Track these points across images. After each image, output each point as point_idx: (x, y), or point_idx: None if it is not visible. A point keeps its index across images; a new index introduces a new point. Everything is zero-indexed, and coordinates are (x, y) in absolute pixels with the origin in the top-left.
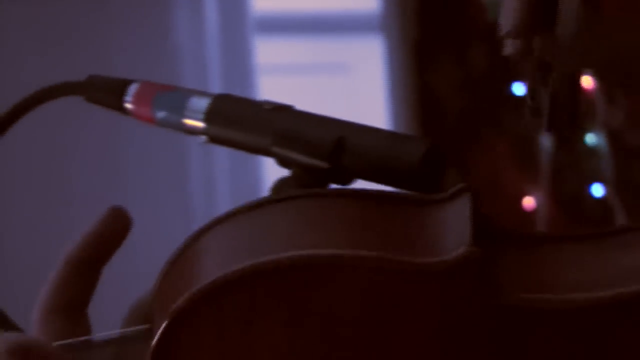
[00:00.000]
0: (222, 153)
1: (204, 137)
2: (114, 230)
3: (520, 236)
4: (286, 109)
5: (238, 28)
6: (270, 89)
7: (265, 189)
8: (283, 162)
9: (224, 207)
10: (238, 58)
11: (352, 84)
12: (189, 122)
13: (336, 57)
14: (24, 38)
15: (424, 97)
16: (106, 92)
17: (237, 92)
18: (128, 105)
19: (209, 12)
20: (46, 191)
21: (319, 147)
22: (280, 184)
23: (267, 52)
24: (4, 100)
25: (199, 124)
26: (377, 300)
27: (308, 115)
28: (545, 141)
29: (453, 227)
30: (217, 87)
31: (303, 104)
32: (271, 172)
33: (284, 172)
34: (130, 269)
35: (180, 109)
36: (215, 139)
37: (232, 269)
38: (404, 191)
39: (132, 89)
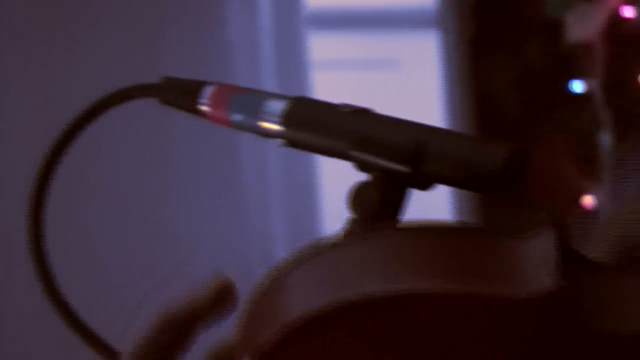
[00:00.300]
0: (276, 149)
1: (279, 140)
2: (216, 300)
3: (602, 266)
4: (365, 112)
5: (291, 23)
6: (323, 84)
7: (319, 185)
8: (362, 166)
9: (277, 204)
10: (291, 53)
11: (405, 80)
12: (265, 125)
13: (390, 53)
14: (82, 37)
15: (480, 94)
16: (181, 94)
17: (290, 88)
18: (203, 108)
19: (262, 7)
20: (108, 189)
21: (400, 151)
22: (360, 189)
23: (320, 47)
24: (62, 102)
25: (276, 127)
26: (464, 333)
27: (387, 119)
28: (605, 138)
29: (538, 259)
30: (270, 83)
31: (356, 101)
32: (326, 167)
33: (338, 170)
34: (187, 260)
35: (256, 112)
36: (291, 142)
37: (321, 303)
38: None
39: (207, 91)
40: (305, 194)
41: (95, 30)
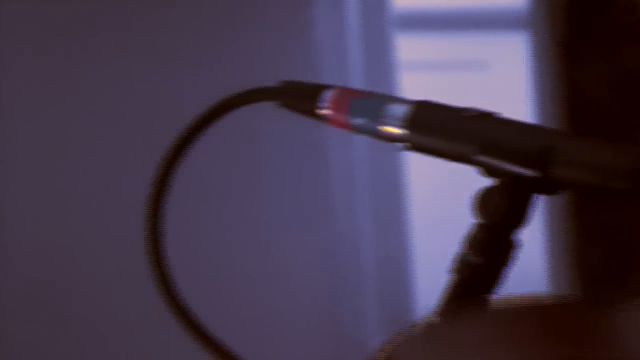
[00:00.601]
0: (362, 144)
1: (401, 144)
2: None
3: None
4: (489, 116)
5: (378, 24)
6: (410, 86)
7: (406, 186)
8: (488, 171)
9: (364, 204)
10: (378, 54)
11: (493, 81)
12: (387, 129)
13: (477, 54)
14: (172, 40)
15: (571, 96)
16: (300, 97)
17: (376, 88)
18: (322, 111)
19: (350, 8)
20: (198, 190)
21: (527, 156)
22: (486, 194)
23: (407, 48)
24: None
25: (397, 131)
26: None
27: (513, 123)
28: None
29: None
30: (357, 84)
31: (443, 101)
32: (413, 168)
33: (425, 171)
34: (276, 260)
35: (378, 116)
36: (414, 147)
37: None
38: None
39: (327, 94)
40: (392, 195)
41: (183, 33)
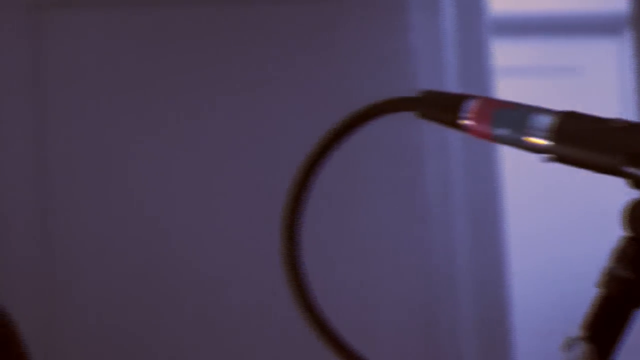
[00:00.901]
0: (457, 152)
1: (545, 155)
2: None
3: None
4: (638, 127)
5: (474, 30)
6: (505, 91)
7: (501, 189)
8: (638, 183)
9: (459, 206)
10: (474, 60)
11: (587, 86)
12: (532, 140)
13: (571, 60)
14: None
15: None
16: (442, 108)
17: (473, 93)
18: (464, 122)
19: (446, 13)
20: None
21: None
22: (636, 207)
23: (503, 53)
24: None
25: (543, 142)
26: None
27: None
28: None
29: None
30: (452, 89)
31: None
32: (508, 175)
33: (521, 178)
34: (374, 268)
35: (522, 127)
36: (559, 158)
37: None
38: None
39: (469, 105)
40: (487, 203)
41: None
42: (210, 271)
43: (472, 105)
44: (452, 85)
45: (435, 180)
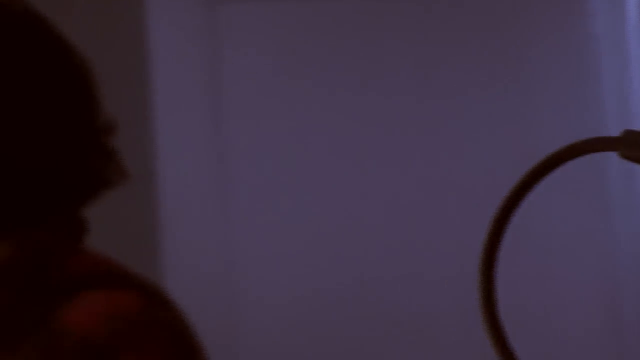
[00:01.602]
0: None
1: None
2: None
3: None
4: None
5: None
6: None
7: None
8: None
9: None
10: None
11: None
12: None
13: None
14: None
15: None
16: None
17: None
18: None
19: (629, 1)
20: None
21: None
22: None
23: None
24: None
25: None
26: None
27: None
28: None
29: None
30: (636, 77)
31: None
32: None
33: None
34: (556, 263)
35: None
36: None
37: None
38: None
39: None
40: None
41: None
42: (399, 272)
43: None
44: (636, 74)
45: (618, 171)
